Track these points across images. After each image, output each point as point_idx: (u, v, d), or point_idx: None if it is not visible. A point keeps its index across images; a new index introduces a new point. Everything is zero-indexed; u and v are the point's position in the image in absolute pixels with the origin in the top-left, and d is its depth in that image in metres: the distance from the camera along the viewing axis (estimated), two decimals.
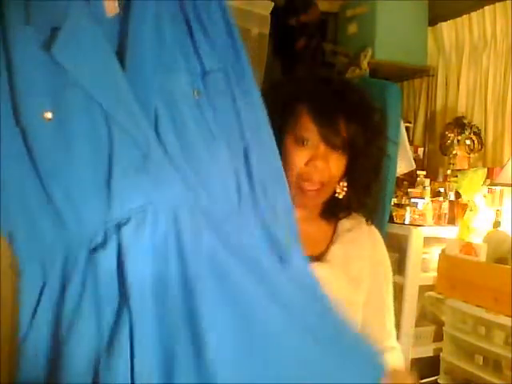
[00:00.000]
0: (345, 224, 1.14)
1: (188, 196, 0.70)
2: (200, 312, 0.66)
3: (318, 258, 1.08)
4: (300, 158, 1.05)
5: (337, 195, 1.11)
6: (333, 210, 1.14)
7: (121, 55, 0.69)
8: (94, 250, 0.67)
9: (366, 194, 1.13)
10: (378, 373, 0.78)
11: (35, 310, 0.70)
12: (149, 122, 0.69)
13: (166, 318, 0.67)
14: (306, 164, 1.04)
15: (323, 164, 1.04)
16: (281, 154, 1.05)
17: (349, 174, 1.10)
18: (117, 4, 0.71)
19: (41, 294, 0.70)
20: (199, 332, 0.66)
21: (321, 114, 1.04)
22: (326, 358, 0.74)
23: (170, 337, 0.67)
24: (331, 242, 1.12)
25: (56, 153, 0.67)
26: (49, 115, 0.67)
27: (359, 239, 1.13)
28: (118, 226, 0.67)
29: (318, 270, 1.02)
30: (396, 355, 1.13)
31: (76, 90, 0.67)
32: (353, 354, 0.78)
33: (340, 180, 1.10)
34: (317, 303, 0.78)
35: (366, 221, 1.16)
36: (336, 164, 1.06)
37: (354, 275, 1.09)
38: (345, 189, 1.11)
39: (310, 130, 1.04)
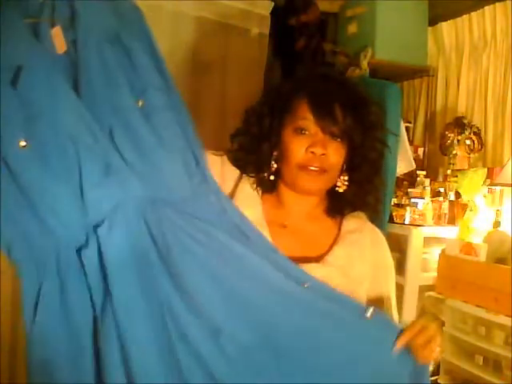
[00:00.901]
0: (349, 224, 1.15)
1: (148, 192, 0.83)
2: (190, 287, 0.80)
3: (318, 258, 1.08)
4: (298, 146, 1.06)
5: (337, 189, 1.12)
6: (338, 207, 1.15)
7: (75, 83, 0.82)
8: (79, 249, 0.80)
9: (368, 189, 1.14)
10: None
11: (36, 307, 0.80)
12: (106, 135, 0.81)
13: (152, 297, 0.80)
14: (306, 151, 1.06)
15: (321, 150, 1.05)
16: (281, 148, 1.09)
17: (350, 167, 1.11)
18: (64, 42, 0.82)
19: (39, 292, 0.80)
20: (193, 306, 0.79)
21: (318, 103, 1.06)
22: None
23: (158, 314, 0.79)
24: (334, 242, 1.12)
25: (34, 173, 0.79)
26: (23, 143, 0.78)
27: (361, 241, 1.13)
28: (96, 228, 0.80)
29: (316, 271, 1.02)
30: None
31: (43, 119, 0.79)
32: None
33: (341, 173, 1.11)
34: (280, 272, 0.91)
35: (370, 220, 1.17)
36: (335, 152, 1.07)
37: (355, 277, 1.09)
38: (346, 182, 1.12)
39: (307, 119, 1.06)
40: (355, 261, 1.10)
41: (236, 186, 1.11)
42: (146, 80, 0.85)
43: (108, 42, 0.83)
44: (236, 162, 1.13)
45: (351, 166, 1.12)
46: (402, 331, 0.93)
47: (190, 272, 0.81)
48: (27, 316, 0.81)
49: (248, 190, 1.11)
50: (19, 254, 0.80)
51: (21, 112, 0.78)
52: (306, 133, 1.06)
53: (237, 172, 1.13)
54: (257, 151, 1.11)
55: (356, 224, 1.15)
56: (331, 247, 1.11)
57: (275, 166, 1.11)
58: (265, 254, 0.90)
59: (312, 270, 1.02)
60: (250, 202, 1.09)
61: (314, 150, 1.05)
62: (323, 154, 1.06)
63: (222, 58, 2.53)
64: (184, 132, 0.89)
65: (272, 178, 1.11)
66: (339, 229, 1.14)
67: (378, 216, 2.21)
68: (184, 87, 2.32)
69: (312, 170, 1.07)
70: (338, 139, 1.07)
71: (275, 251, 0.94)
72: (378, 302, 1.13)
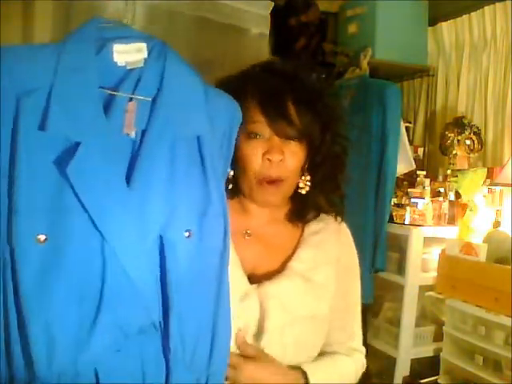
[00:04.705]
0: (312, 227, 1.09)
1: None
2: None
3: (283, 266, 1.03)
4: (254, 152, 0.98)
5: (300, 190, 1.05)
6: (300, 213, 1.08)
7: (130, 170, 0.71)
8: None
9: (331, 187, 1.08)
10: None
11: None
12: (147, 253, 0.70)
13: None
14: (262, 158, 0.98)
15: (278, 156, 0.97)
16: (236, 154, 0.95)
17: (311, 167, 1.04)
18: (133, 126, 0.72)
19: None
20: None
21: (269, 104, 0.98)
22: None
23: None
24: (298, 245, 1.06)
25: (42, 278, 0.64)
26: (42, 238, 0.64)
27: (326, 242, 1.08)
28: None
29: (281, 284, 0.99)
30: (356, 357, 1.10)
31: (75, 215, 0.66)
32: None
33: (302, 174, 1.04)
34: None
35: (336, 218, 1.09)
36: (293, 155, 0.99)
37: (320, 282, 1.04)
38: (308, 183, 1.04)
39: (260, 122, 0.98)
40: (320, 264, 1.05)
41: None
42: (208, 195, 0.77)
43: (183, 139, 0.75)
44: None
45: (313, 165, 1.04)
46: None
47: None
48: None
49: None
50: None
51: (50, 200, 0.65)
52: (260, 137, 0.98)
53: None
54: None
55: (320, 224, 1.09)
56: (295, 251, 1.05)
57: (232, 173, 1.01)
58: None
59: (277, 284, 0.99)
60: None
61: (270, 157, 0.97)
62: (281, 160, 0.98)
63: (221, 58, 2.53)
64: None
65: (230, 186, 1.02)
66: (302, 230, 1.08)
67: (379, 216, 2.19)
68: None
69: (269, 186, 0.99)
70: (296, 140, 0.99)
71: None
72: (342, 304, 1.08)
